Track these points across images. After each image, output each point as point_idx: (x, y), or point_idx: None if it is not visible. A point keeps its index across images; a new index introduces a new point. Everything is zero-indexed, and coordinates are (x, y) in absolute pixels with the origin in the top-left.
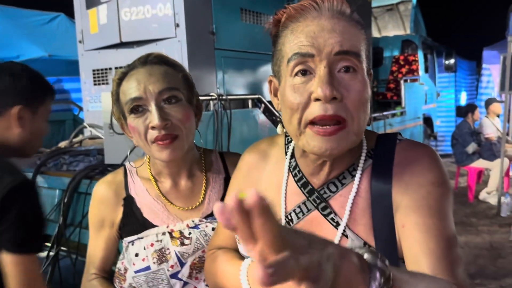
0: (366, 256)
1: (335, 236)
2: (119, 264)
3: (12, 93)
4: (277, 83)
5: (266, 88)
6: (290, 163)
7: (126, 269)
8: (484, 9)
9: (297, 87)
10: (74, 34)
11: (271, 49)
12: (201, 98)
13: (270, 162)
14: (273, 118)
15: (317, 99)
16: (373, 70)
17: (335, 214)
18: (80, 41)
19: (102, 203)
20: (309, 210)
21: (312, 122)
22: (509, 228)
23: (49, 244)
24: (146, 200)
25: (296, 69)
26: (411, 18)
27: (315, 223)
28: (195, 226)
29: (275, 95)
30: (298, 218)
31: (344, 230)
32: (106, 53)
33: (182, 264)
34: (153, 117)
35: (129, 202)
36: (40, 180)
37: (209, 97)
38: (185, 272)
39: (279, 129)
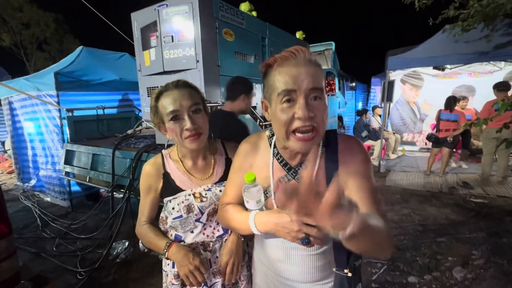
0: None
1: None
2: (162, 214)
3: (239, 89)
4: (268, 103)
5: None
6: (273, 151)
7: (166, 217)
8: (373, 53)
9: (284, 110)
10: (135, 66)
11: (253, 75)
12: (211, 104)
13: (260, 150)
14: (254, 116)
15: (298, 118)
16: None
17: None
18: (139, 70)
19: (148, 176)
20: (289, 180)
21: (294, 131)
22: (384, 179)
23: (123, 190)
24: (177, 174)
25: (284, 99)
26: (332, 58)
27: None
28: (209, 189)
29: (266, 110)
30: None
31: None
32: (155, 77)
33: (202, 213)
34: (187, 123)
35: (166, 176)
36: (117, 154)
37: (216, 104)
38: (204, 218)
39: (267, 132)
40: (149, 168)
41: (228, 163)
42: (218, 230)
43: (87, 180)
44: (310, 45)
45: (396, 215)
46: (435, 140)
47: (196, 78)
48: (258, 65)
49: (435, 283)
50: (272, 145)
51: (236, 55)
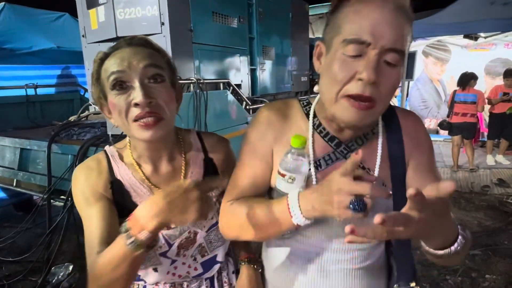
0: None
1: None
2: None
3: None
4: (324, 49)
5: (232, 73)
6: (313, 121)
7: None
8: None
9: (345, 63)
10: (77, 30)
11: (236, 44)
12: (183, 81)
13: (290, 121)
14: (239, 98)
15: (360, 79)
16: (308, 62)
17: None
18: (83, 36)
19: (89, 179)
20: (337, 159)
21: (349, 96)
22: None
23: (64, 197)
24: (132, 183)
25: (351, 48)
26: None
27: None
28: None
29: (318, 58)
30: (327, 164)
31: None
32: (105, 45)
33: (169, 245)
34: (137, 94)
35: (117, 186)
36: (54, 148)
37: (189, 81)
38: (172, 251)
39: (316, 88)
40: (85, 175)
41: (209, 165)
42: (195, 269)
43: (14, 184)
44: (310, 6)
45: None
46: (446, 127)
47: (161, 46)
48: (243, 30)
49: None
50: (311, 114)
51: (214, 16)
